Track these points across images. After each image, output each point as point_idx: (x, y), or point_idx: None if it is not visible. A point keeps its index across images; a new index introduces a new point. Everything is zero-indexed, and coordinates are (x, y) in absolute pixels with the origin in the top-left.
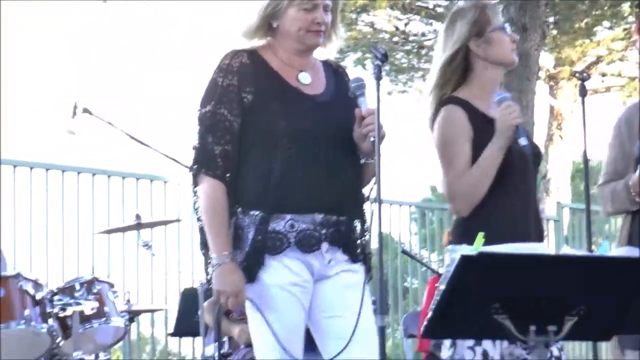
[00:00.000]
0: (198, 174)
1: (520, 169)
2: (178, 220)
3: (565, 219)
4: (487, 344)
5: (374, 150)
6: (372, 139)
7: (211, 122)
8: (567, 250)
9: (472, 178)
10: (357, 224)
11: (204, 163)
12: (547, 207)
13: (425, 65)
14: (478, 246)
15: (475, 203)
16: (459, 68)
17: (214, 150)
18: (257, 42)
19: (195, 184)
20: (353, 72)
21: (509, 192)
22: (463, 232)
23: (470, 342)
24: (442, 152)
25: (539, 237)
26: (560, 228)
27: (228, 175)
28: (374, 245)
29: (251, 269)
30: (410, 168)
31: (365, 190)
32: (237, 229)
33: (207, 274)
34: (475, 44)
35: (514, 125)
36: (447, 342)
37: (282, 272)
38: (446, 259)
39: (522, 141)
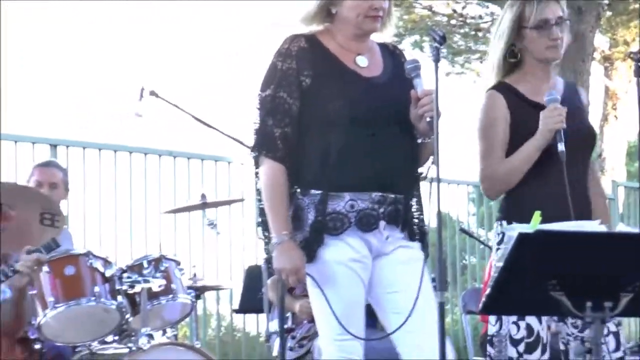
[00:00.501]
0: (259, 155)
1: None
2: (242, 200)
3: (620, 198)
4: (530, 318)
5: (431, 130)
6: (428, 119)
7: (271, 105)
8: (622, 228)
9: (504, 168)
10: (414, 202)
11: (265, 145)
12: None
13: (482, 47)
14: (535, 224)
15: (504, 190)
16: (509, 56)
17: (274, 132)
18: (316, 27)
19: (257, 165)
20: (411, 54)
21: (550, 173)
22: (504, 209)
23: (514, 317)
24: (479, 136)
25: (587, 216)
26: (616, 206)
27: (288, 156)
28: (433, 224)
29: (311, 248)
30: (468, 148)
31: (422, 169)
32: (296, 209)
33: (267, 252)
34: (517, 39)
35: (555, 129)
36: (492, 319)
37: (341, 249)
38: (492, 235)
39: (560, 147)
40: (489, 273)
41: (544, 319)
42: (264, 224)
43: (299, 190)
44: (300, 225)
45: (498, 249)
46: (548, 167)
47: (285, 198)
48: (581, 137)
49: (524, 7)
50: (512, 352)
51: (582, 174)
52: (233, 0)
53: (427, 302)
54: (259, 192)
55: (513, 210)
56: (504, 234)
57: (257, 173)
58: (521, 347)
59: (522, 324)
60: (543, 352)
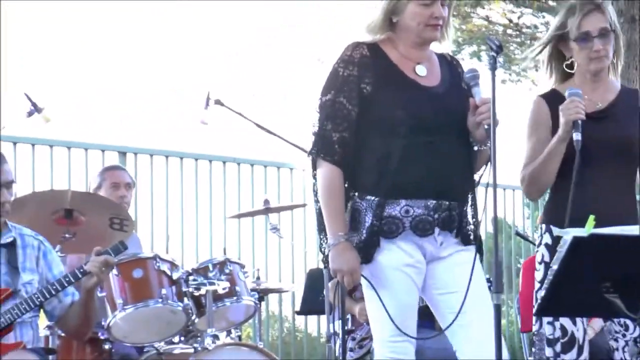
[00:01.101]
0: (317, 158)
1: (598, 158)
2: (304, 205)
3: None
4: (564, 319)
5: (488, 137)
6: (486, 126)
7: (331, 110)
8: None
9: (532, 167)
10: (468, 209)
11: (323, 149)
12: None
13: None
14: (589, 228)
15: (543, 189)
16: (567, 67)
17: (332, 136)
18: (378, 36)
19: (314, 168)
20: (469, 64)
21: (584, 179)
22: (545, 213)
23: (549, 318)
24: (525, 140)
25: (627, 221)
26: None
27: (345, 160)
28: (490, 228)
29: (367, 250)
30: (523, 154)
31: (477, 176)
32: (354, 213)
33: (323, 253)
34: (565, 50)
35: (571, 119)
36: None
37: (396, 254)
38: (537, 238)
39: (576, 136)
40: (524, 277)
41: (579, 320)
42: (320, 225)
43: (356, 194)
44: (357, 228)
45: (537, 251)
46: (582, 172)
47: (341, 200)
48: (622, 143)
49: (566, 20)
50: (549, 352)
51: (624, 179)
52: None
53: (482, 299)
54: (316, 193)
55: (549, 213)
56: (542, 235)
57: (314, 175)
58: (557, 347)
59: (557, 324)
60: (579, 353)
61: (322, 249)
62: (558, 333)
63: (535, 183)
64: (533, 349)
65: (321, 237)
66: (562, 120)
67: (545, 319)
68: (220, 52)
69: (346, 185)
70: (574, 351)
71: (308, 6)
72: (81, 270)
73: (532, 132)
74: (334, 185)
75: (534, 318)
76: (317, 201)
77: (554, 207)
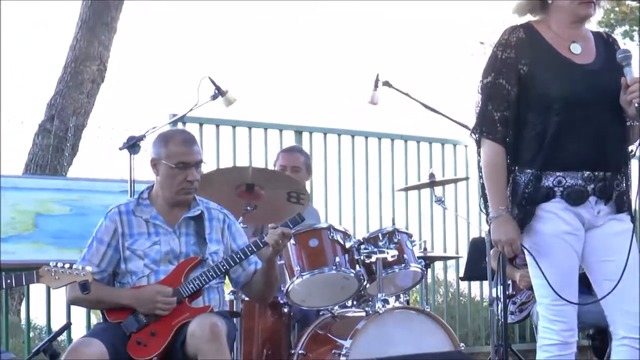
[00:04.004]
0: (480, 137)
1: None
2: (467, 179)
3: None
4: None
5: (638, 115)
6: (636, 104)
7: (491, 91)
8: None
9: None
10: (622, 179)
11: (485, 128)
12: None
13: None
14: None
15: None
16: None
17: (493, 116)
18: (531, 18)
19: (478, 146)
20: (622, 44)
21: None
22: None
23: None
24: None
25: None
26: None
27: (506, 138)
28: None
29: (525, 221)
30: None
31: (632, 148)
32: (514, 186)
33: (488, 224)
34: None
35: None
36: None
37: (555, 222)
38: None
39: None
40: None
41: None
42: (484, 199)
43: (516, 168)
44: (516, 200)
45: None
46: None
47: (503, 176)
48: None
49: None
50: None
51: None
52: None
53: (636, 270)
54: (480, 169)
55: None
56: None
57: (478, 153)
58: None
59: None
60: None
61: (487, 220)
62: None
63: None
64: None
65: (484, 209)
66: None
67: None
68: (388, 35)
69: (508, 160)
70: None
71: None
72: (262, 240)
73: None
74: (496, 161)
75: None
76: (480, 177)
77: None
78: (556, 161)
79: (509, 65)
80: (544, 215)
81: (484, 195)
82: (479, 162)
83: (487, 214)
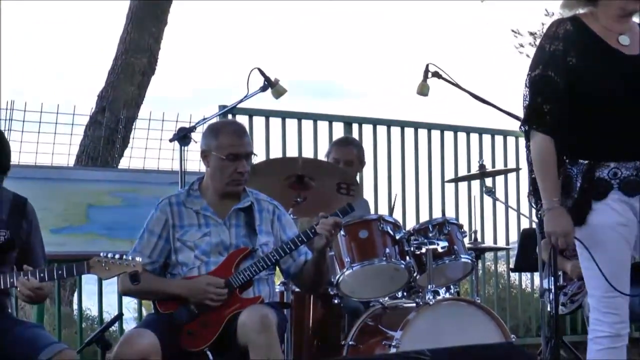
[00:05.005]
0: (530, 130)
1: None
2: (517, 169)
3: None
4: None
5: None
6: None
7: (540, 83)
8: None
9: None
10: None
11: (535, 120)
12: None
13: None
14: None
15: None
16: None
17: (543, 108)
18: (579, 11)
19: (527, 139)
20: None
21: None
22: None
23: None
24: None
25: None
26: None
27: (556, 130)
28: None
29: (579, 213)
30: None
31: None
32: (565, 178)
33: (539, 218)
34: None
35: None
36: None
37: (608, 214)
38: None
39: None
40: None
41: None
42: (535, 192)
43: (567, 160)
44: (569, 192)
45: None
46: None
47: (554, 168)
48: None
49: None
50: None
51: None
52: None
53: None
54: (530, 163)
55: None
56: None
57: (528, 146)
58: None
59: None
60: None
61: (539, 213)
62: None
63: None
64: None
65: (536, 202)
66: None
67: None
68: (438, 26)
69: (558, 153)
70: None
71: None
72: (312, 230)
73: None
74: (546, 154)
75: None
76: (531, 170)
77: None
78: (609, 152)
79: (557, 58)
80: (597, 207)
81: (534, 189)
82: (528, 155)
83: (537, 207)
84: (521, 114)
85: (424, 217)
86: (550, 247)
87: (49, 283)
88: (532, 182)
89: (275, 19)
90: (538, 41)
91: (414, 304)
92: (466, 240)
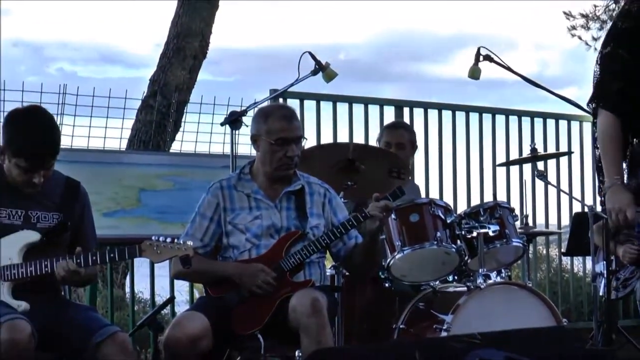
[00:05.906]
0: (597, 107)
1: None
2: (569, 153)
3: None
4: None
5: None
6: None
7: (610, 61)
8: None
9: None
10: None
11: (602, 98)
12: None
13: None
14: None
15: None
16: None
17: (611, 86)
18: None
19: (594, 116)
20: None
21: None
22: None
23: None
24: None
25: None
26: None
27: (624, 109)
28: None
29: None
30: None
31: None
32: (632, 158)
33: (601, 195)
34: None
35: None
36: None
37: None
38: None
39: None
40: None
41: None
42: (599, 169)
43: (635, 140)
44: (636, 172)
45: None
46: None
47: (618, 146)
48: None
49: None
50: None
51: None
52: None
53: None
54: (595, 140)
55: None
56: None
57: (594, 123)
58: None
59: None
60: None
61: (600, 192)
62: None
63: None
64: None
65: (600, 179)
66: None
67: None
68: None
69: (625, 133)
70: None
71: None
72: (363, 214)
73: None
74: (612, 132)
75: None
76: (596, 147)
77: None
78: None
79: (629, 35)
80: None
81: (599, 165)
82: (593, 133)
83: (602, 183)
84: (573, 97)
85: (475, 201)
86: (603, 231)
87: (90, 269)
88: (598, 160)
89: (326, 3)
90: (590, 24)
91: (465, 288)
92: (517, 224)
